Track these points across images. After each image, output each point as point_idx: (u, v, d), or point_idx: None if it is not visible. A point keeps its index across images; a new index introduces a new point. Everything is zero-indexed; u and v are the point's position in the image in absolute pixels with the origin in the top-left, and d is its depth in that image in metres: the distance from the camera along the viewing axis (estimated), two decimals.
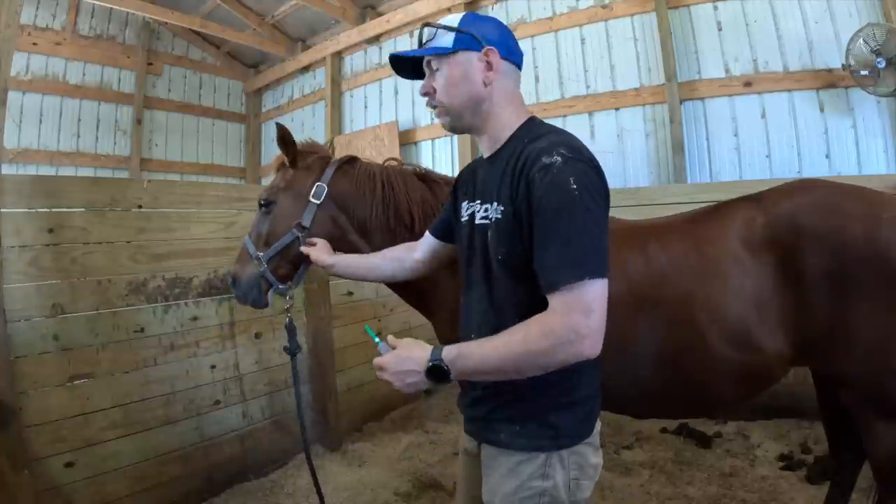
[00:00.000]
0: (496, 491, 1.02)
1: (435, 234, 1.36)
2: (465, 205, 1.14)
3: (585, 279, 0.83)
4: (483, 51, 1.01)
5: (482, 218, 1.03)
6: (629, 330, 1.39)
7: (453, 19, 1.05)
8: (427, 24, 1.07)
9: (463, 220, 1.14)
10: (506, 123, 1.05)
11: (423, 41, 1.07)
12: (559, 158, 0.89)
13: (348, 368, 3.33)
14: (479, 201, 1.07)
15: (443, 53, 1.03)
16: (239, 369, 2.71)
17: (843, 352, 1.36)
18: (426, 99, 1.09)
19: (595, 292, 0.83)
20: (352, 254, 1.57)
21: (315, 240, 1.58)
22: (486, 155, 1.10)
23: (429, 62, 1.06)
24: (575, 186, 0.86)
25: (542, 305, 0.87)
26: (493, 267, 1.01)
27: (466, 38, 1.01)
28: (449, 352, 0.89)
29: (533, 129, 1.02)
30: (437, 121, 5.32)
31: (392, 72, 5.48)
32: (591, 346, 0.84)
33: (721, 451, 2.72)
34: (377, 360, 0.94)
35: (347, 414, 3.25)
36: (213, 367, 2.59)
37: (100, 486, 2.11)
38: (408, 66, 1.13)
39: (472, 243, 1.08)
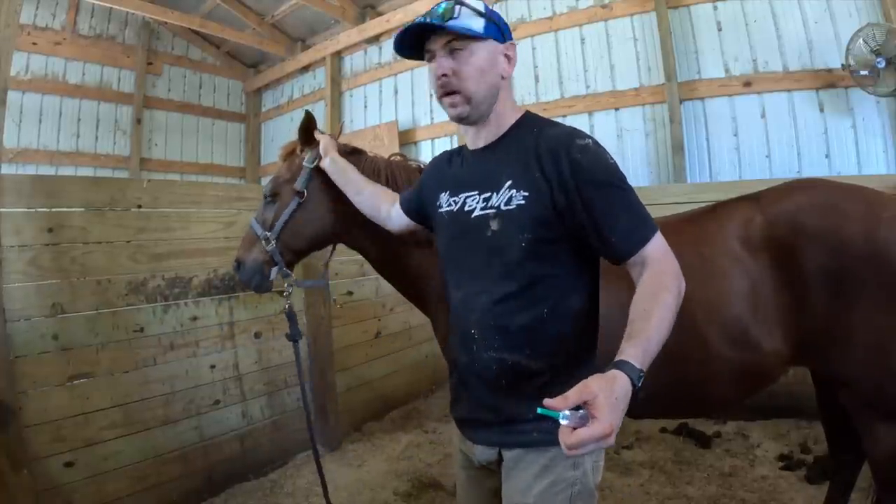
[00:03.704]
0: (528, 491, 0.97)
1: (406, 210, 1.31)
2: (444, 196, 1.11)
3: (658, 230, 0.94)
4: (506, 44, 1.02)
5: (484, 209, 1.00)
6: None
7: (477, 3, 1.00)
8: (457, 1, 0.98)
9: (445, 209, 1.10)
10: (508, 115, 1.05)
11: (445, 18, 0.96)
12: (589, 140, 0.96)
13: (348, 368, 3.33)
14: (476, 192, 1.02)
15: (473, 36, 0.97)
16: (238, 369, 2.72)
17: (841, 352, 1.36)
18: (438, 85, 0.99)
19: (664, 240, 0.96)
20: (352, 168, 1.52)
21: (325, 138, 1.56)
22: (478, 146, 1.07)
23: (450, 42, 0.98)
24: (612, 162, 0.96)
25: (552, 279, 0.96)
26: (507, 253, 0.97)
27: (493, 28, 1.00)
28: (635, 356, 0.78)
29: (536, 120, 1.05)
30: (437, 120, 5.21)
31: (392, 71, 5.41)
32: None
33: (721, 450, 2.72)
34: (591, 432, 0.66)
35: (347, 414, 3.25)
36: (212, 366, 2.59)
37: (99, 485, 2.11)
38: (410, 41, 1.03)
39: (469, 236, 1.03)
